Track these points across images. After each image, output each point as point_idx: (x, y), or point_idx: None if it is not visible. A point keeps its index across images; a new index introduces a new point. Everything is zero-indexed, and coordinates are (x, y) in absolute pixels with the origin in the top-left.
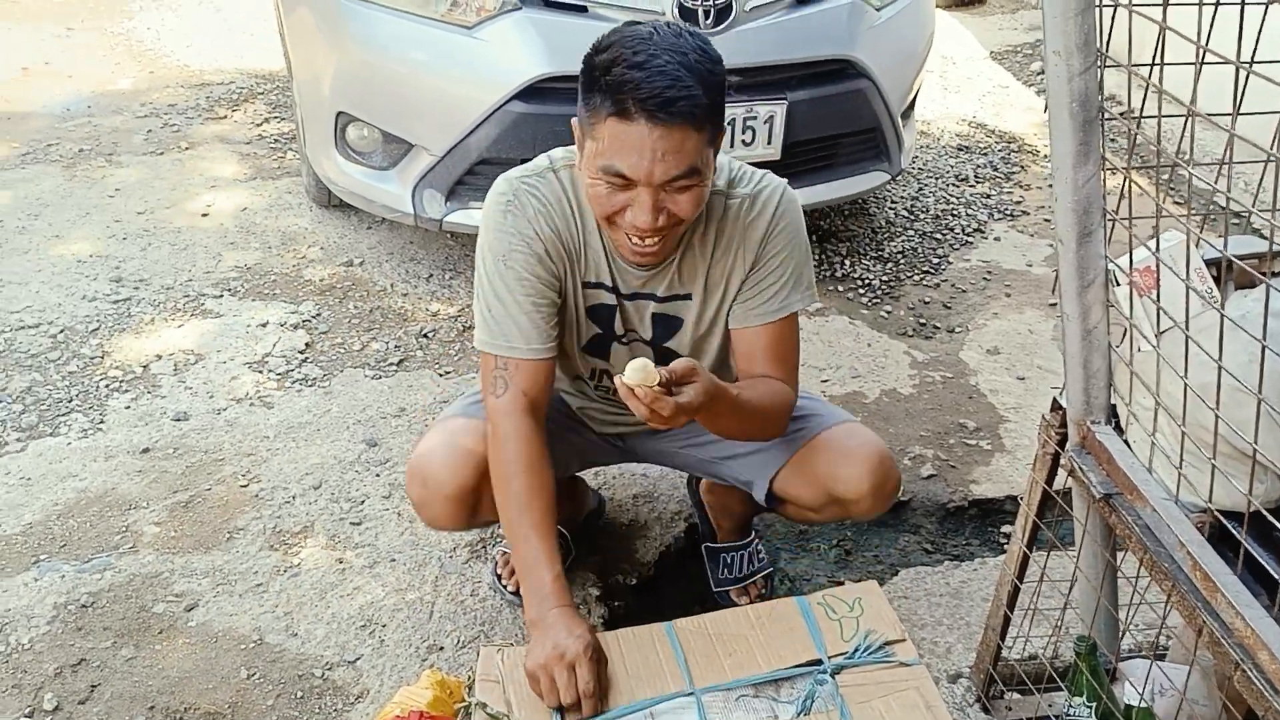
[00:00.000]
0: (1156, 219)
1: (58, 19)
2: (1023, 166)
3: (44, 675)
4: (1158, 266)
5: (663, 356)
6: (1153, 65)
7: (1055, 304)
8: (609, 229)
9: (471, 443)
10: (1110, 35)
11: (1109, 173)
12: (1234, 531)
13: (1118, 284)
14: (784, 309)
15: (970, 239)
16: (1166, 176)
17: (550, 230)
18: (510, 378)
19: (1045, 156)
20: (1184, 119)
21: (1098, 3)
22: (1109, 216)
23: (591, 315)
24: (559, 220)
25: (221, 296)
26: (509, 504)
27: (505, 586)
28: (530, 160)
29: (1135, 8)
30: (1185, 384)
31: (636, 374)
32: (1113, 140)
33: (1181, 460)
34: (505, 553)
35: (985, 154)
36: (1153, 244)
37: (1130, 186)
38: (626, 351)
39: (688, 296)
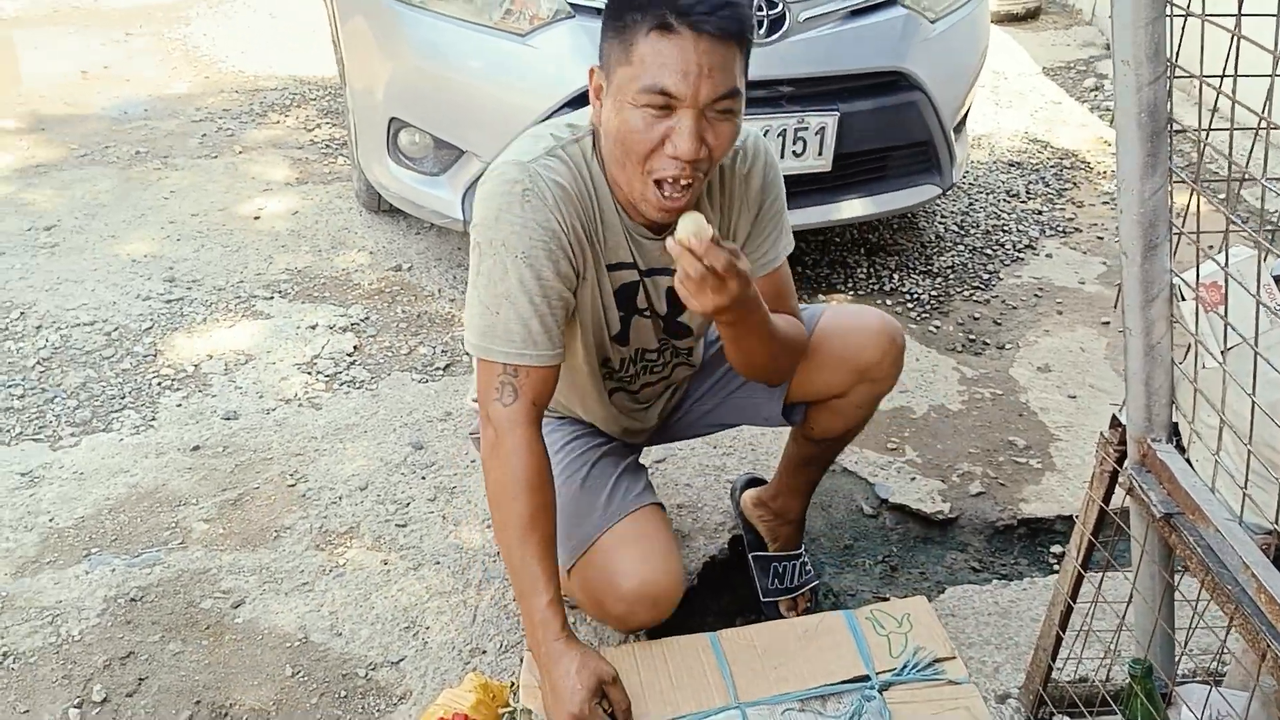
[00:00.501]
0: (1225, 233)
1: (116, 24)
2: (1075, 183)
3: (93, 667)
4: (1226, 281)
5: (676, 328)
6: (1223, 76)
7: (1108, 322)
8: (638, 176)
9: (665, 537)
10: (1180, 45)
11: (1176, 186)
12: None
13: (1183, 299)
14: (782, 254)
15: (1021, 255)
16: (1235, 190)
17: (573, 218)
18: (520, 386)
19: (1099, 173)
20: (1255, 131)
21: (1169, 12)
22: (1175, 230)
23: (618, 299)
24: (579, 204)
25: (272, 298)
26: (509, 523)
27: None
28: (530, 143)
29: (1209, 18)
30: (1253, 402)
31: (689, 225)
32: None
33: (1247, 480)
34: None
35: (1037, 170)
36: (1220, 258)
37: (1198, 200)
38: (647, 324)
39: None
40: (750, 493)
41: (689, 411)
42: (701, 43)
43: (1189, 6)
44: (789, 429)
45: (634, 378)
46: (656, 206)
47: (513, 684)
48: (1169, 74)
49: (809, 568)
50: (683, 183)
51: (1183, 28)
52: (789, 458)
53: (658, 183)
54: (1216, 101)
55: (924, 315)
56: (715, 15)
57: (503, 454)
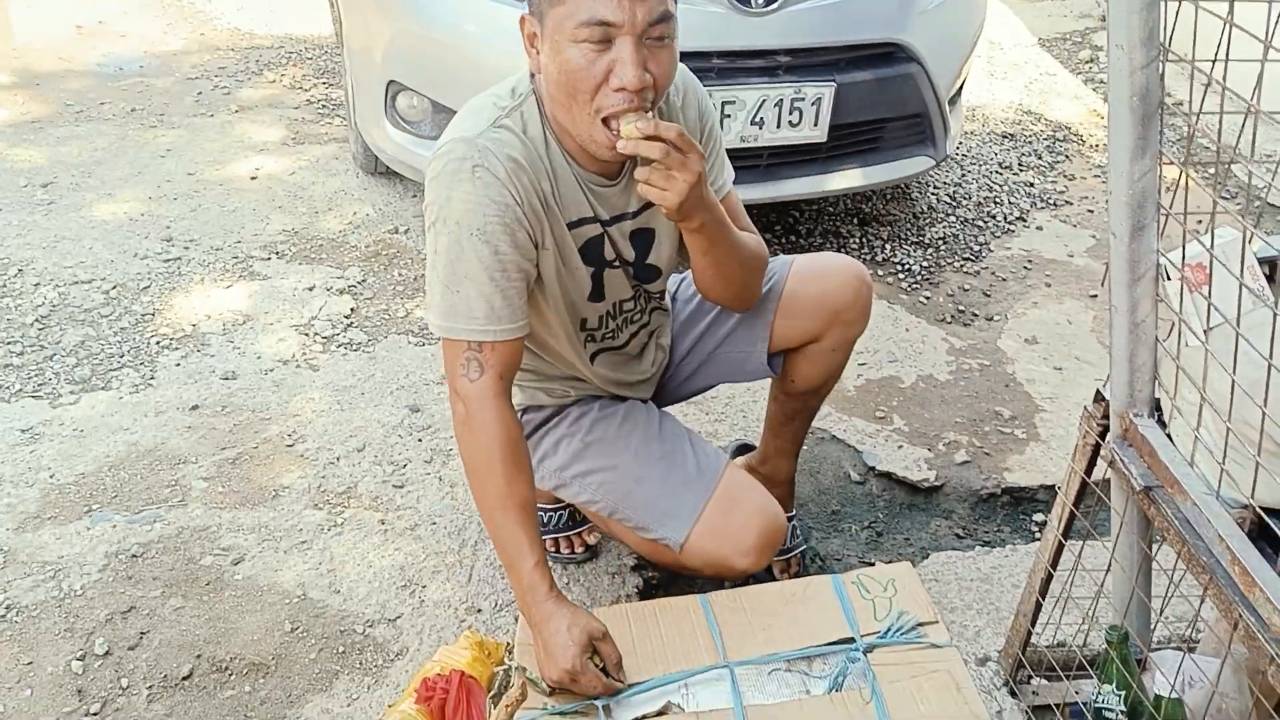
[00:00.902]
0: (1212, 215)
1: None
2: (1068, 156)
3: (95, 621)
4: (1211, 262)
5: (645, 273)
6: (1214, 61)
7: (1095, 295)
8: (586, 117)
9: (756, 483)
10: (1174, 30)
11: (1164, 166)
12: (1275, 528)
13: (1168, 278)
14: (729, 180)
15: (1012, 227)
16: (1223, 173)
17: (525, 187)
18: (485, 360)
19: (1091, 146)
20: (1244, 115)
21: None
22: (1163, 211)
23: (584, 256)
24: (530, 171)
25: (269, 259)
26: (487, 495)
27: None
28: (473, 118)
29: (1202, 5)
30: (1233, 380)
31: (631, 120)
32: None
33: (1225, 455)
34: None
35: (1030, 142)
36: (1206, 240)
37: (1185, 181)
38: (619, 273)
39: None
40: (740, 460)
41: (676, 372)
42: None
43: None
44: (768, 391)
45: (617, 331)
46: (607, 145)
47: (508, 644)
48: (1161, 58)
49: (799, 532)
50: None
51: (1176, 12)
52: (773, 418)
53: (605, 121)
54: (1208, 85)
55: (915, 286)
56: None
57: (474, 428)
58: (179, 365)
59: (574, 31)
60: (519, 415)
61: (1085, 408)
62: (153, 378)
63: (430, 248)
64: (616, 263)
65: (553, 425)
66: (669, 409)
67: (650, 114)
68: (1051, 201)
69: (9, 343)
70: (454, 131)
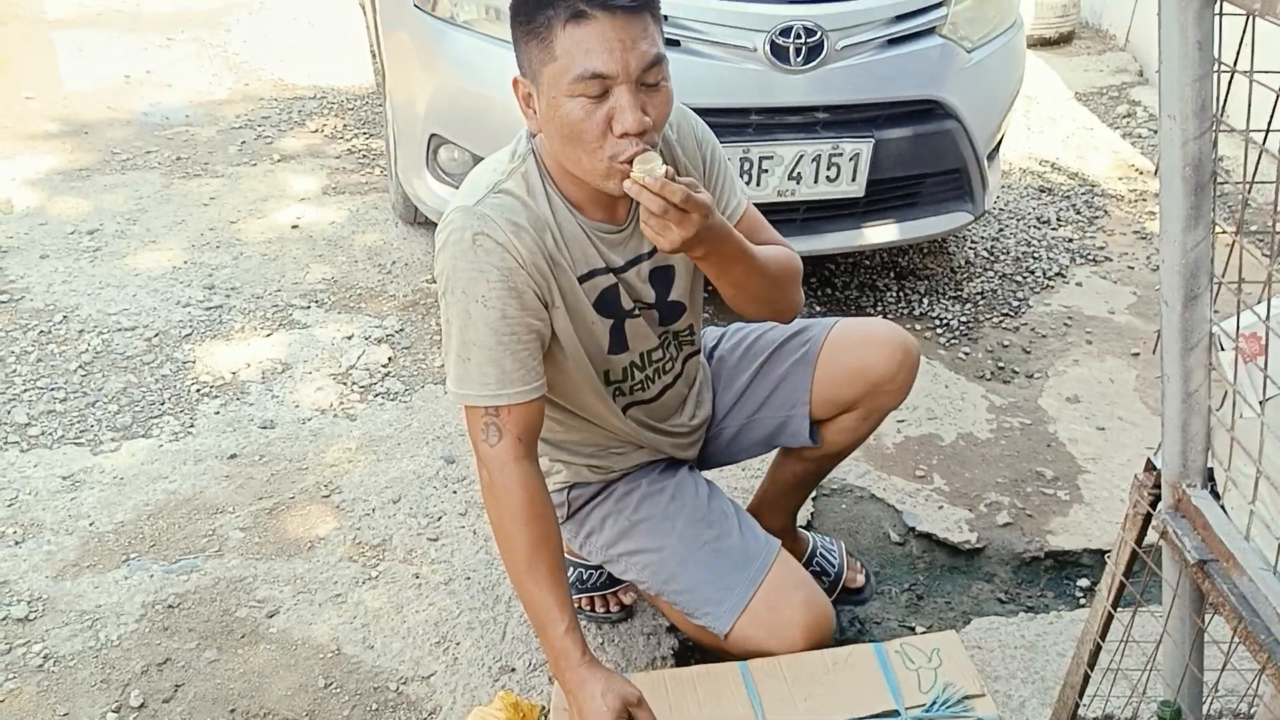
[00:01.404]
0: (1267, 285)
1: (158, 29)
2: (1106, 211)
3: (131, 672)
4: (1266, 334)
5: (669, 310)
6: (1268, 130)
7: (1138, 353)
8: (591, 163)
9: (806, 574)
10: (1226, 100)
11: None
12: None
13: (1222, 349)
14: (743, 200)
15: (1051, 283)
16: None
17: (529, 248)
18: (503, 425)
19: (1130, 201)
20: None
21: (1215, 69)
22: (1216, 280)
23: (600, 308)
24: (533, 231)
25: (309, 308)
26: (515, 560)
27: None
28: (472, 188)
29: (1255, 75)
30: None
31: (643, 165)
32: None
33: None
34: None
35: (1068, 197)
36: (1261, 309)
37: (1240, 252)
38: (640, 322)
39: None
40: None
41: (718, 433)
42: (618, 19)
43: (1236, 63)
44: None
45: (646, 383)
46: (626, 175)
47: (543, 708)
48: (1214, 129)
49: (830, 545)
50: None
51: (1229, 83)
52: (781, 482)
53: (612, 159)
54: (1260, 156)
55: (953, 341)
56: None
57: (497, 492)
58: (218, 413)
59: (570, 86)
60: (566, 491)
61: (1136, 476)
62: (192, 426)
63: (443, 317)
64: (637, 310)
65: (600, 501)
66: (715, 480)
67: (664, 168)
68: (1091, 257)
69: (53, 389)
70: (455, 201)
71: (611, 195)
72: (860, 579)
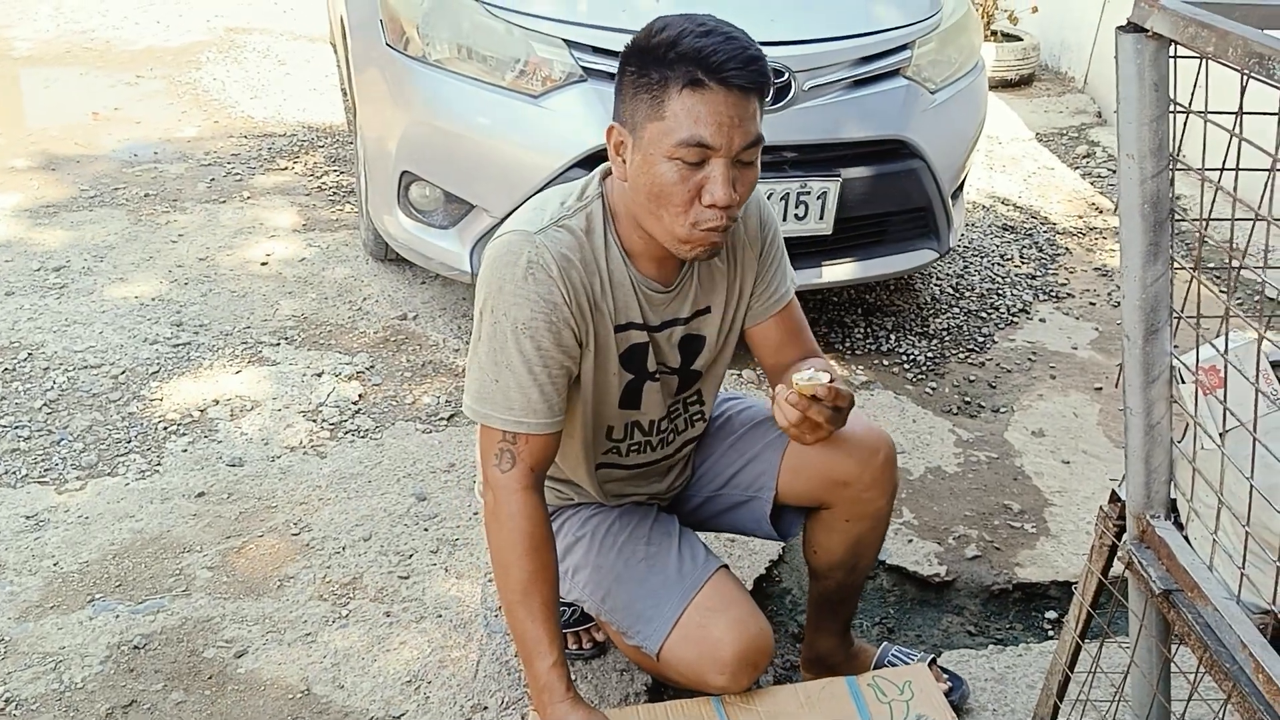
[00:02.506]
0: (1225, 319)
1: (128, 67)
2: (1067, 249)
3: (96, 715)
4: (1225, 367)
5: (688, 379)
6: (1222, 170)
7: (1100, 388)
8: (671, 225)
9: (745, 596)
10: (1182, 140)
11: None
12: None
13: (1182, 381)
14: (791, 288)
15: (1015, 319)
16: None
17: (575, 286)
18: (519, 453)
19: (1091, 240)
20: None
21: (1171, 110)
22: (1175, 314)
23: (625, 362)
24: (583, 270)
25: (278, 344)
26: (511, 590)
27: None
28: (537, 213)
29: (1209, 115)
30: (1251, 485)
31: (805, 378)
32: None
33: (1245, 560)
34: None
35: (1030, 235)
36: (1219, 343)
37: (1198, 287)
38: (657, 388)
39: (708, 310)
40: (801, 658)
41: (688, 499)
42: (732, 96)
43: (1191, 104)
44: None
45: (644, 447)
46: (702, 242)
47: None
48: (1171, 167)
49: (902, 648)
50: (721, 227)
51: (1184, 123)
52: (813, 599)
53: (694, 225)
54: (1216, 193)
55: (920, 377)
56: (744, 71)
57: (501, 519)
58: (186, 451)
59: (671, 149)
60: None
61: (1101, 507)
62: (159, 464)
63: (475, 330)
64: (658, 375)
65: (556, 521)
66: None
67: (824, 375)
68: (1053, 294)
69: (17, 427)
70: (516, 223)
71: (673, 256)
72: (944, 680)
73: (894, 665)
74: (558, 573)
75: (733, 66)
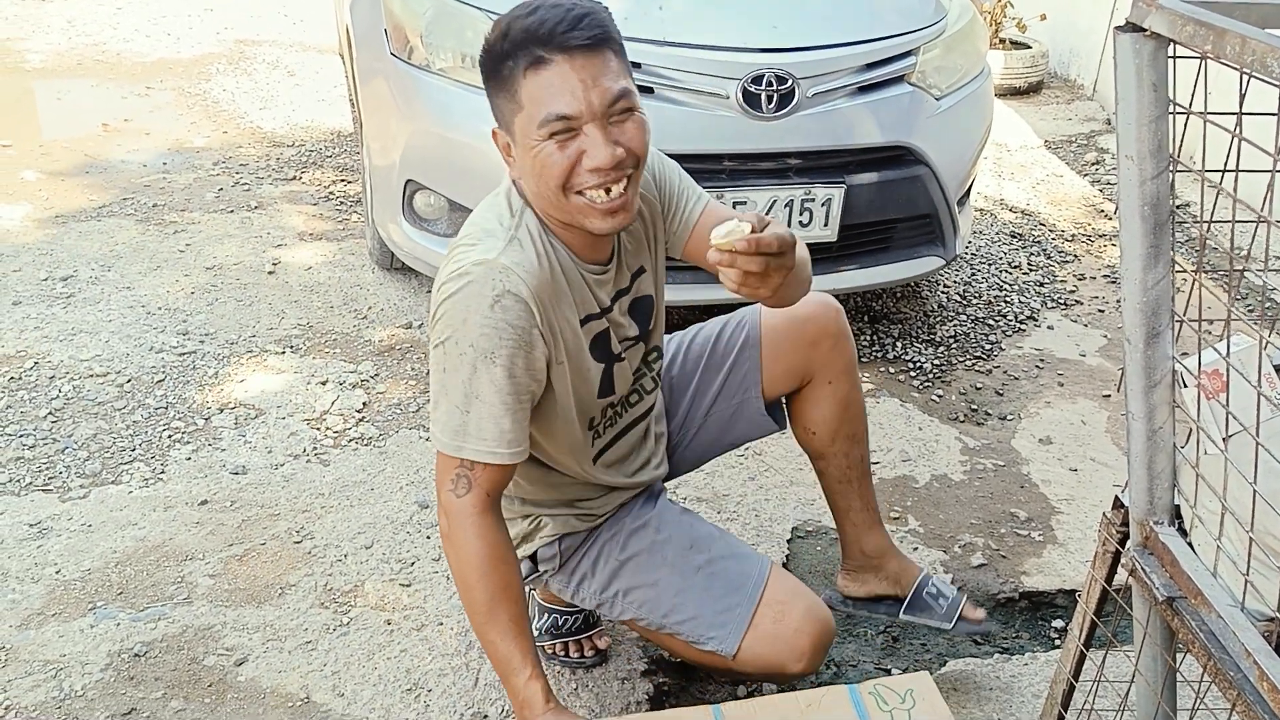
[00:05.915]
0: (1227, 322)
1: (138, 79)
2: (1076, 256)
3: None
4: (1227, 370)
5: (650, 339)
6: (1224, 171)
7: (1109, 395)
8: (569, 200)
9: (801, 585)
10: (1183, 141)
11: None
12: None
13: (1184, 385)
14: (702, 196)
15: (1023, 326)
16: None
17: (544, 303)
18: (475, 479)
19: (1099, 246)
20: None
21: (1171, 111)
22: (1177, 318)
23: (594, 352)
24: (547, 284)
25: (284, 353)
26: (476, 609)
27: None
28: (486, 238)
29: (1209, 116)
30: (1254, 490)
31: (723, 230)
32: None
33: (1249, 566)
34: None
35: (1039, 242)
36: (1222, 346)
37: (1200, 290)
38: (625, 366)
39: (642, 270)
40: (841, 574)
41: (678, 442)
42: (576, 59)
43: (1191, 104)
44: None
45: (615, 418)
46: (604, 213)
47: None
48: (1171, 169)
49: (942, 576)
50: (614, 190)
51: (1184, 124)
52: (829, 490)
53: (581, 193)
54: (1218, 195)
55: (926, 384)
56: (576, 29)
57: (456, 543)
58: (190, 459)
59: (539, 132)
60: (556, 543)
61: (1104, 514)
62: (163, 472)
63: (437, 364)
64: (623, 353)
65: (588, 547)
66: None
67: (743, 226)
68: (1062, 301)
69: (21, 435)
70: (472, 254)
71: (595, 234)
72: (980, 613)
73: (934, 594)
74: (523, 588)
75: (564, 29)
